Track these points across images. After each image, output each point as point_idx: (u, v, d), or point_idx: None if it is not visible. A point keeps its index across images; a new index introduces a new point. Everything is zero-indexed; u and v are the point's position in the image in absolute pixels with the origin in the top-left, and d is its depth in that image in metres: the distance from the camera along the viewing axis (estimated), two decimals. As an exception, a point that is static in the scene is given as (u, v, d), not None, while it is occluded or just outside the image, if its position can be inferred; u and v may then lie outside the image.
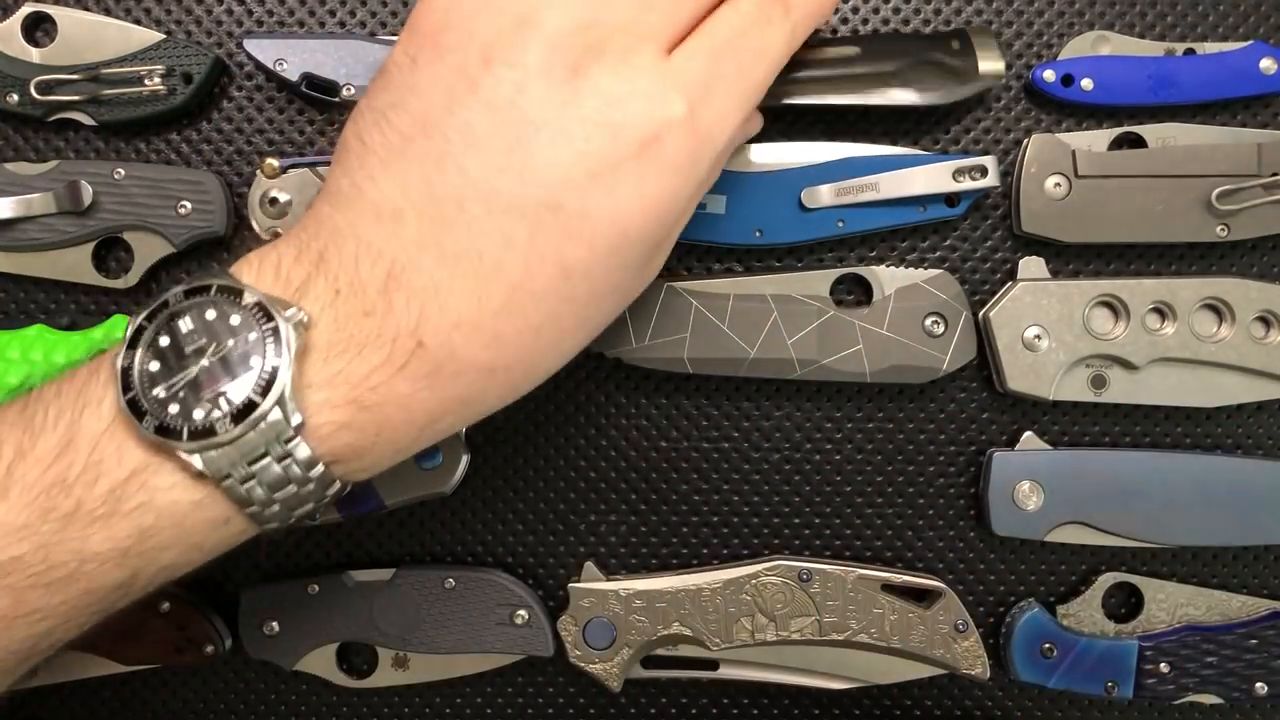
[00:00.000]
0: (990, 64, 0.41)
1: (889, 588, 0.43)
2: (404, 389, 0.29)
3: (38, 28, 0.43)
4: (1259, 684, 0.43)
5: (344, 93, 0.41)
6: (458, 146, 0.29)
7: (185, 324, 0.28)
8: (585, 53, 0.30)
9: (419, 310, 0.29)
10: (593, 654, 0.43)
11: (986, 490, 0.43)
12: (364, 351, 0.28)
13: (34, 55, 0.42)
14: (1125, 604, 0.44)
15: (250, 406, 0.27)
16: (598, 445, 0.45)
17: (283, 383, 0.27)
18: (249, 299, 0.28)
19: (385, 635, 0.43)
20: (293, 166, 0.42)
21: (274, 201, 0.42)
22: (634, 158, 0.29)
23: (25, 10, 0.42)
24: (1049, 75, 0.43)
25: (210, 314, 0.28)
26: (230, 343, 0.28)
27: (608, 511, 0.45)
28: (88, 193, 0.42)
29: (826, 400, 0.45)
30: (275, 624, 0.43)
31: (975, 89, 0.41)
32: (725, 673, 0.44)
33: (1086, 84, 0.42)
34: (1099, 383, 0.43)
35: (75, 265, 0.43)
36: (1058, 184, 0.42)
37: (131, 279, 0.43)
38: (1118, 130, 0.43)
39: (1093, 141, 0.43)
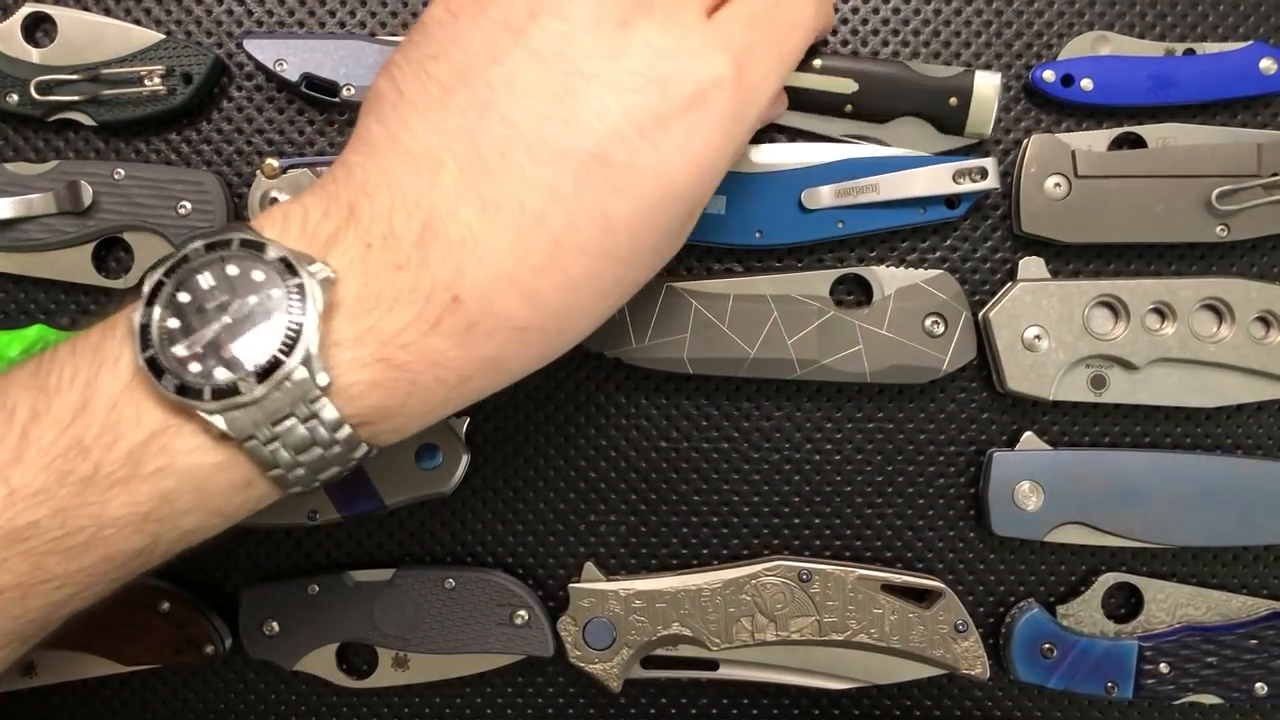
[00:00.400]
0: (977, 128, 0.42)
1: (889, 588, 0.43)
2: (436, 346, 0.28)
3: (38, 28, 0.43)
4: (1259, 684, 0.43)
5: (344, 93, 0.42)
6: (502, 95, 0.29)
7: (205, 279, 0.27)
8: (634, 8, 0.29)
9: (456, 263, 0.28)
10: (593, 654, 0.43)
11: (986, 490, 0.43)
12: (396, 307, 0.27)
13: (34, 55, 0.42)
14: (1125, 604, 0.44)
15: (275, 365, 0.26)
16: (598, 445, 0.45)
17: (308, 340, 0.26)
18: (272, 254, 0.27)
19: (385, 635, 0.43)
20: (293, 166, 0.42)
21: (274, 201, 0.42)
22: (681, 113, 0.29)
23: (25, 10, 0.42)
24: (1049, 75, 0.43)
25: (232, 269, 0.27)
26: (253, 299, 0.27)
27: (608, 511, 0.45)
28: (88, 193, 0.42)
29: (826, 400, 0.45)
30: (275, 624, 0.43)
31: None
32: (725, 673, 0.44)
33: (1086, 84, 0.42)
34: (1099, 383, 0.43)
35: (75, 265, 0.43)
36: (1058, 184, 0.42)
37: (131, 279, 0.43)
38: (1118, 130, 0.43)
39: (1093, 141, 0.43)
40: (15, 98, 0.42)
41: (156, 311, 0.27)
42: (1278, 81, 0.43)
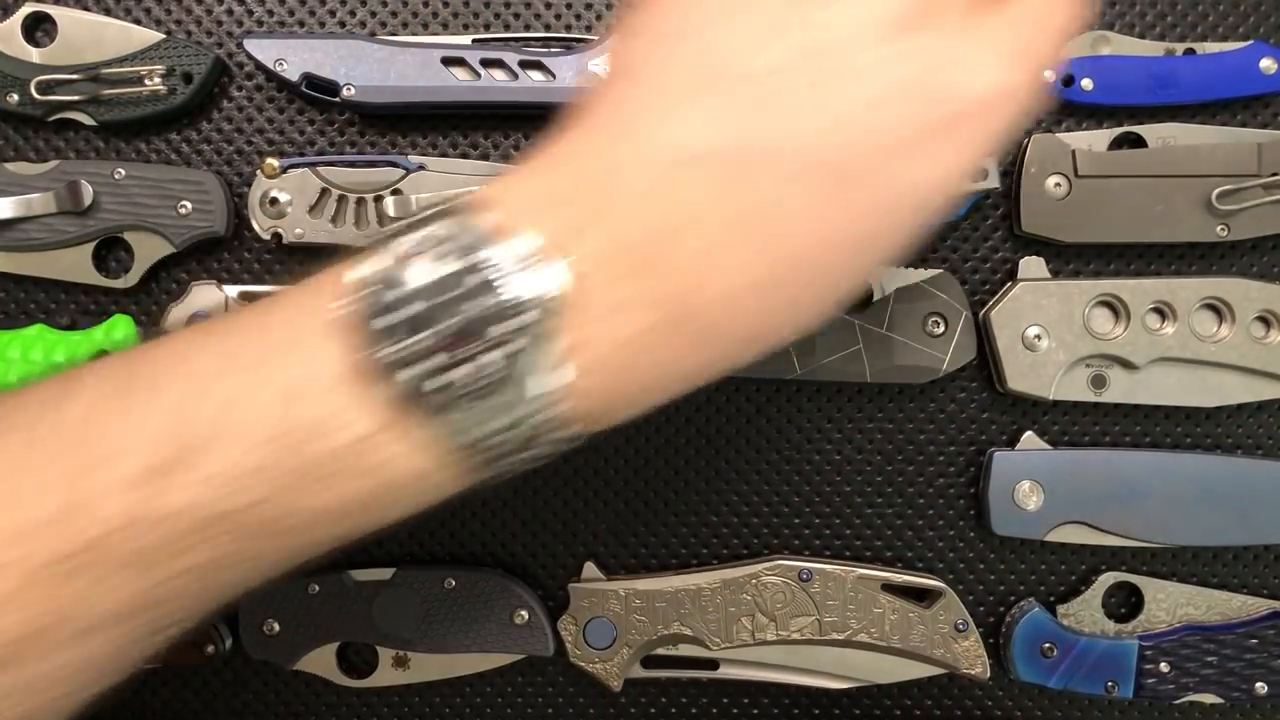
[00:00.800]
0: None
1: (889, 587, 0.43)
2: (666, 356, 0.26)
3: (38, 28, 0.43)
4: (1259, 684, 0.43)
5: (344, 93, 0.41)
6: (760, 94, 0.26)
7: (431, 270, 0.25)
8: (915, 11, 0.27)
9: (695, 275, 0.26)
10: (593, 654, 0.43)
11: (986, 490, 0.43)
12: (632, 313, 0.25)
13: (34, 55, 0.42)
14: (1125, 604, 0.44)
15: (507, 369, 0.24)
16: (598, 445, 0.45)
17: (545, 343, 0.25)
18: (510, 247, 0.25)
19: (385, 635, 0.43)
20: (293, 166, 0.42)
21: (274, 201, 0.42)
22: (941, 131, 0.27)
23: (25, 10, 0.42)
24: (1049, 75, 0.42)
25: (461, 264, 0.25)
26: (484, 296, 0.24)
27: (608, 511, 0.45)
28: (88, 193, 0.42)
29: (826, 400, 0.45)
30: (275, 624, 0.43)
31: None
32: (725, 672, 0.44)
33: (1086, 84, 0.42)
34: (1099, 383, 0.43)
35: (75, 265, 0.43)
36: (1058, 184, 0.42)
37: (131, 279, 0.43)
38: (1118, 130, 0.43)
39: (1093, 141, 0.43)
40: (15, 98, 0.42)
41: (373, 303, 0.25)
42: (1278, 81, 0.43)
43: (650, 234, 0.26)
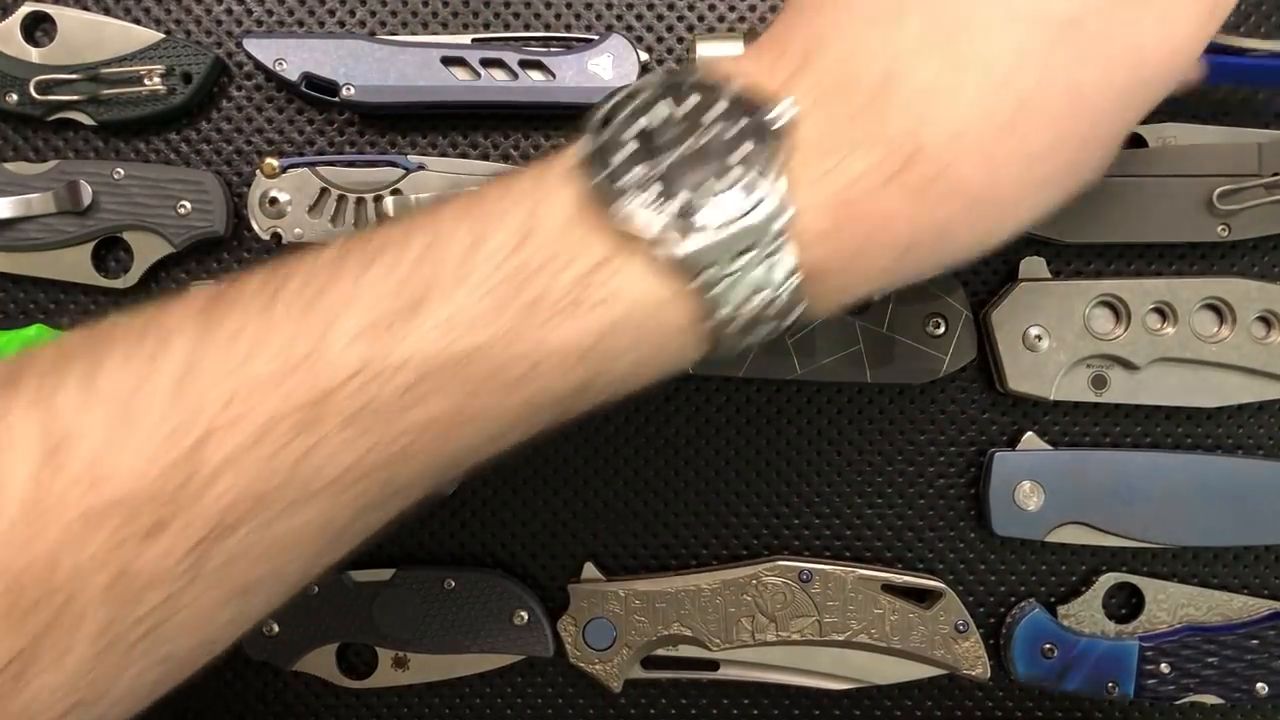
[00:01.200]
0: None
1: (889, 588, 0.43)
2: (891, 202, 0.26)
3: (37, 27, 0.43)
4: (1260, 684, 0.43)
5: (344, 92, 0.41)
6: None
7: (661, 110, 0.26)
8: None
9: (920, 113, 0.26)
10: (593, 654, 0.43)
11: (987, 490, 0.43)
12: (855, 152, 0.26)
13: (33, 55, 0.42)
14: (1126, 604, 0.44)
15: (741, 197, 0.25)
16: (598, 445, 0.45)
17: (775, 174, 0.25)
18: (732, 88, 0.26)
19: (385, 635, 0.43)
20: (292, 166, 0.42)
21: (274, 201, 0.42)
22: None
23: (25, 10, 0.42)
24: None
25: (690, 102, 0.26)
26: (714, 131, 0.26)
27: (608, 511, 0.45)
28: (87, 193, 0.42)
29: (826, 400, 0.45)
30: (275, 624, 0.43)
31: None
32: (725, 673, 0.44)
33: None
34: (1099, 383, 0.42)
35: (75, 265, 0.43)
36: (1058, 184, 0.42)
37: (131, 279, 0.43)
38: (1118, 130, 0.43)
39: (1093, 141, 0.42)
40: (15, 97, 0.42)
41: (609, 136, 0.26)
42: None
43: (867, 75, 0.26)
